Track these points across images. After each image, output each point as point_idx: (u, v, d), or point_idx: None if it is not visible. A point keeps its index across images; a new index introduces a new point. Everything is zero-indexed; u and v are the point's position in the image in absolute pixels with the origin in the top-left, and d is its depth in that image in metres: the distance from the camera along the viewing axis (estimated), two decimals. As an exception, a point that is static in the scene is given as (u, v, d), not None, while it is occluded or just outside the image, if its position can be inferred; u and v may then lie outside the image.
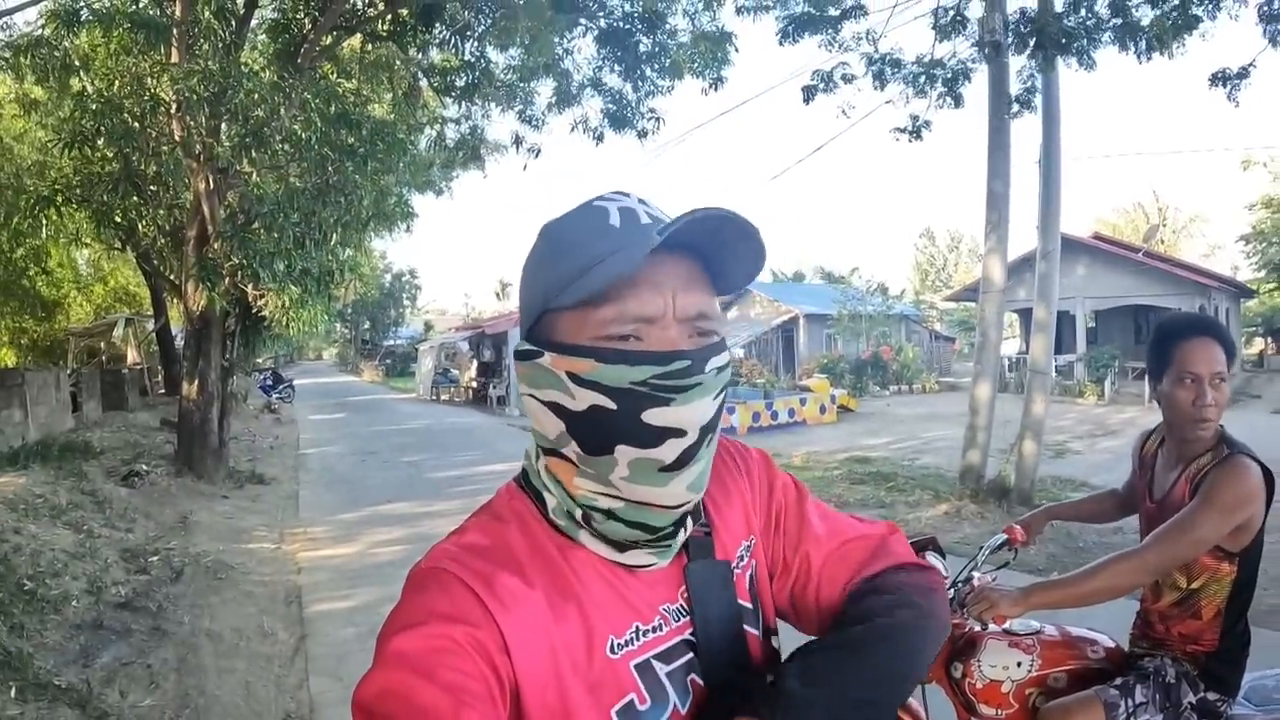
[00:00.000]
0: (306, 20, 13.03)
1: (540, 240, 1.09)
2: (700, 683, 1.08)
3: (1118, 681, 2.50)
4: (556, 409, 1.03)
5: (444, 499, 12.20)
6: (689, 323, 1.01)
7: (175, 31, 11.21)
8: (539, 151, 16.43)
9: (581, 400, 1.00)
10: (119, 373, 21.24)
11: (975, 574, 2.67)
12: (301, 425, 24.68)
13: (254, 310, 11.80)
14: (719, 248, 1.02)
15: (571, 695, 0.99)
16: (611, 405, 0.98)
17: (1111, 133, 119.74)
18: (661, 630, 1.08)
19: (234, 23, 12.46)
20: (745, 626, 1.15)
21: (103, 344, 26.35)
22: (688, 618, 1.10)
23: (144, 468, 11.71)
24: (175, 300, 15.89)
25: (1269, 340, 43.15)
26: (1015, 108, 11.36)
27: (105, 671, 5.39)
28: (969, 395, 11.61)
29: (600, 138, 14.94)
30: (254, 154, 11.35)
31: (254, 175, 12.00)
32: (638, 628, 1.06)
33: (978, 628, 2.62)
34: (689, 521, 1.10)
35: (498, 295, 73.77)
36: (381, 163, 12.23)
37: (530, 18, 11.55)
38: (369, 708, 0.90)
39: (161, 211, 13.30)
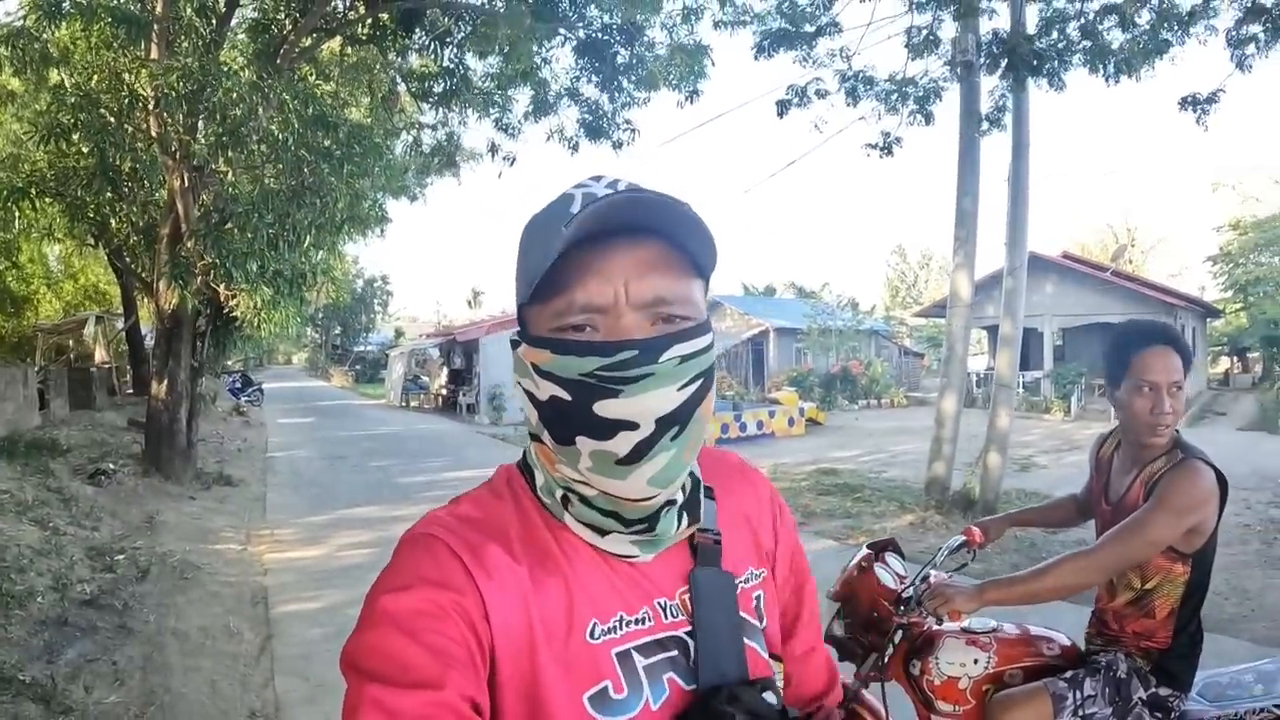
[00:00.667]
0: (287, 21, 13.00)
1: (520, 234, 1.08)
2: (679, 682, 1.06)
3: (1067, 674, 2.57)
4: (531, 398, 1.04)
5: (412, 503, 12.17)
6: (646, 309, 0.98)
7: (155, 27, 11.17)
8: (514, 160, 16.42)
9: (544, 390, 1.00)
10: (87, 371, 21.03)
11: (932, 573, 2.73)
12: (270, 429, 24.58)
13: (225, 311, 11.79)
14: (684, 231, 1.00)
15: (544, 672, 0.98)
16: (567, 396, 0.98)
17: (1084, 152, 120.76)
18: (646, 624, 1.06)
19: (214, 21, 12.43)
20: (746, 639, 1.13)
21: (71, 342, 26.17)
22: (682, 618, 1.09)
23: (111, 467, 11.66)
24: (146, 299, 15.80)
25: (1235, 359, 43.60)
26: (985, 126, 11.52)
27: (70, 668, 5.38)
28: (935, 408, 11.74)
29: (575, 147, 14.91)
30: (230, 153, 11.34)
31: (230, 174, 12.01)
32: (621, 617, 1.05)
33: (935, 625, 2.68)
34: (679, 520, 1.08)
35: (469, 303, 73.62)
36: (357, 166, 12.23)
37: (510, 26, 11.57)
38: (357, 664, 0.91)
39: (135, 208, 13.29)
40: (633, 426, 0.96)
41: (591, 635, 1.02)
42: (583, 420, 0.97)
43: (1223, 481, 2.48)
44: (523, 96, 15.47)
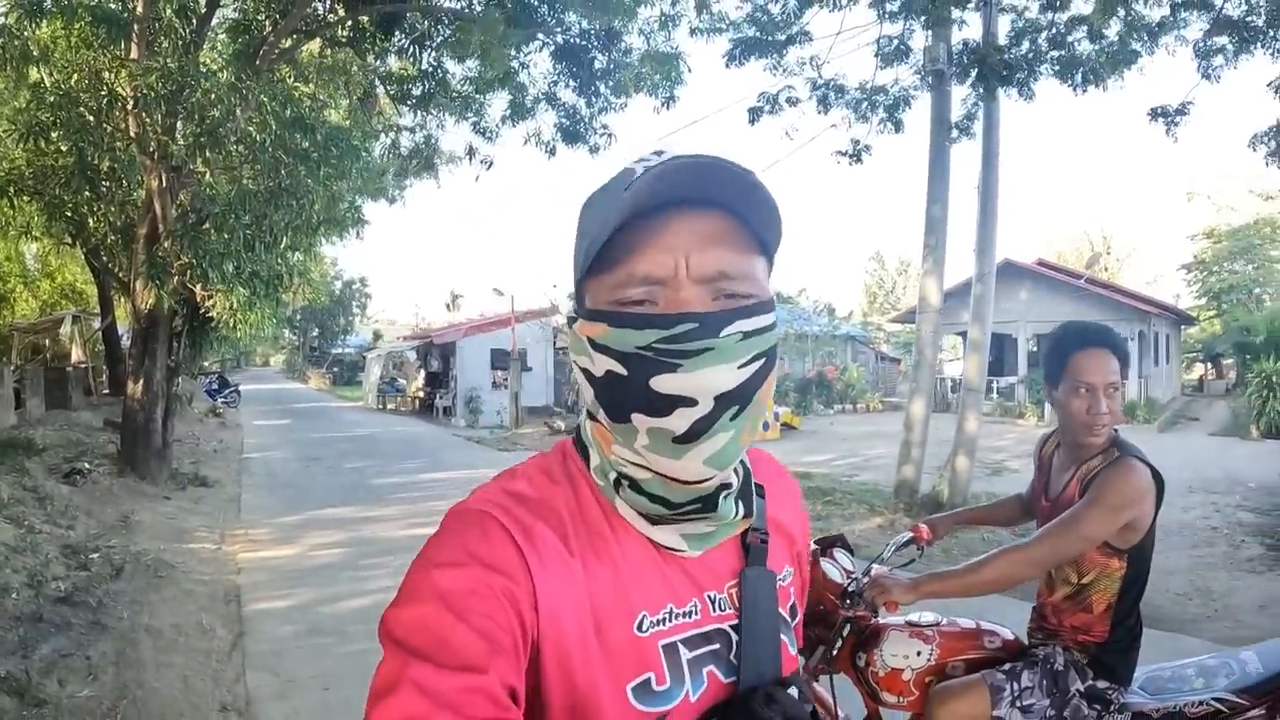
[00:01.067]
0: (267, 22, 13.03)
1: (579, 211, 1.07)
2: (718, 676, 1.04)
3: (1005, 667, 2.65)
4: (586, 374, 1.01)
5: (386, 504, 12.29)
6: (708, 284, 0.95)
7: (136, 27, 11.19)
8: (491, 163, 16.47)
9: (600, 365, 0.97)
10: (63, 371, 20.98)
11: (874, 567, 2.80)
12: (246, 430, 24.47)
13: (202, 311, 11.78)
14: (748, 203, 0.96)
15: (590, 661, 0.97)
16: (623, 371, 0.95)
17: (1060, 162, 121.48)
18: (693, 616, 1.05)
19: (195, 21, 12.41)
20: (781, 635, 1.12)
21: (48, 341, 26.00)
22: (729, 611, 1.08)
23: (86, 466, 11.65)
24: (123, 299, 15.74)
25: (1208, 366, 43.97)
26: (955, 134, 11.65)
27: (44, 662, 5.41)
28: (905, 413, 11.87)
29: (552, 151, 14.93)
30: (208, 154, 11.36)
31: (207, 175, 12.00)
32: (671, 609, 1.03)
33: (877, 619, 2.77)
34: (733, 508, 1.06)
35: (448, 306, 73.17)
36: (334, 168, 12.23)
37: (484, 32, 11.60)
38: (399, 637, 0.89)
39: (113, 207, 13.26)
40: (691, 403, 0.93)
41: (640, 628, 1.00)
42: (639, 396, 0.94)
43: (1159, 480, 2.54)
44: (500, 100, 15.52)
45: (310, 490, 13.84)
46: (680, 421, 0.93)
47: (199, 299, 11.34)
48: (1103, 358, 2.59)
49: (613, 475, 1.04)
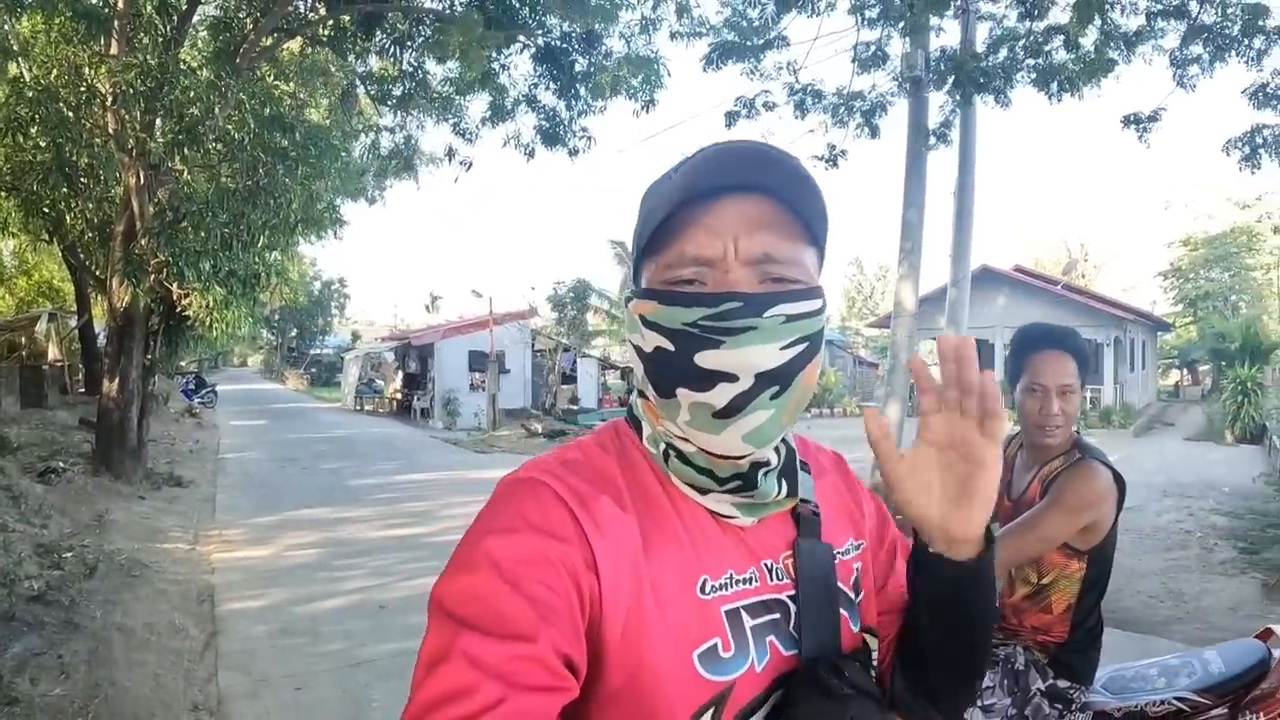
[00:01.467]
0: (248, 20, 12.99)
1: (641, 198, 1.10)
2: (779, 647, 1.04)
3: None
4: (638, 352, 1.05)
5: (362, 505, 12.27)
6: (755, 266, 0.98)
7: (116, 23, 11.17)
8: (470, 165, 16.40)
9: (649, 341, 1.01)
10: (39, 369, 20.83)
11: None
12: (223, 430, 24.35)
13: (178, 310, 11.72)
14: (795, 191, 1.00)
15: (652, 630, 0.97)
16: (670, 346, 0.98)
17: (1040, 170, 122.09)
18: (753, 584, 1.05)
19: (175, 18, 12.36)
20: (841, 610, 1.11)
21: (24, 339, 25.81)
22: (786, 581, 1.08)
23: (61, 465, 11.59)
24: (100, 297, 15.69)
25: (1184, 372, 44.32)
26: (932, 141, 11.71)
27: (16, 661, 5.38)
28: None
29: (532, 154, 14.85)
30: (186, 152, 11.32)
31: (185, 173, 11.93)
32: (731, 575, 1.04)
33: None
34: (779, 485, 1.08)
35: (427, 308, 72.87)
36: (313, 167, 12.22)
37: (462, 33, 11.58)
38: (449, 607, 0.89)
39: (91, 204, 13.18)
40: (732, 379, 0.96)
41: (702, 591, 1.01)
42: (684, 371, 0.98)
43: (1120, 482, 2.56)
44: (480, 102, 15.47)
45: (286, 491, 13.79)
46: (720, 396, 0.96)
47: (175, 297, 11.29)
48: (1059, 359, 2.61)
49: (662, 446, 1.06)
